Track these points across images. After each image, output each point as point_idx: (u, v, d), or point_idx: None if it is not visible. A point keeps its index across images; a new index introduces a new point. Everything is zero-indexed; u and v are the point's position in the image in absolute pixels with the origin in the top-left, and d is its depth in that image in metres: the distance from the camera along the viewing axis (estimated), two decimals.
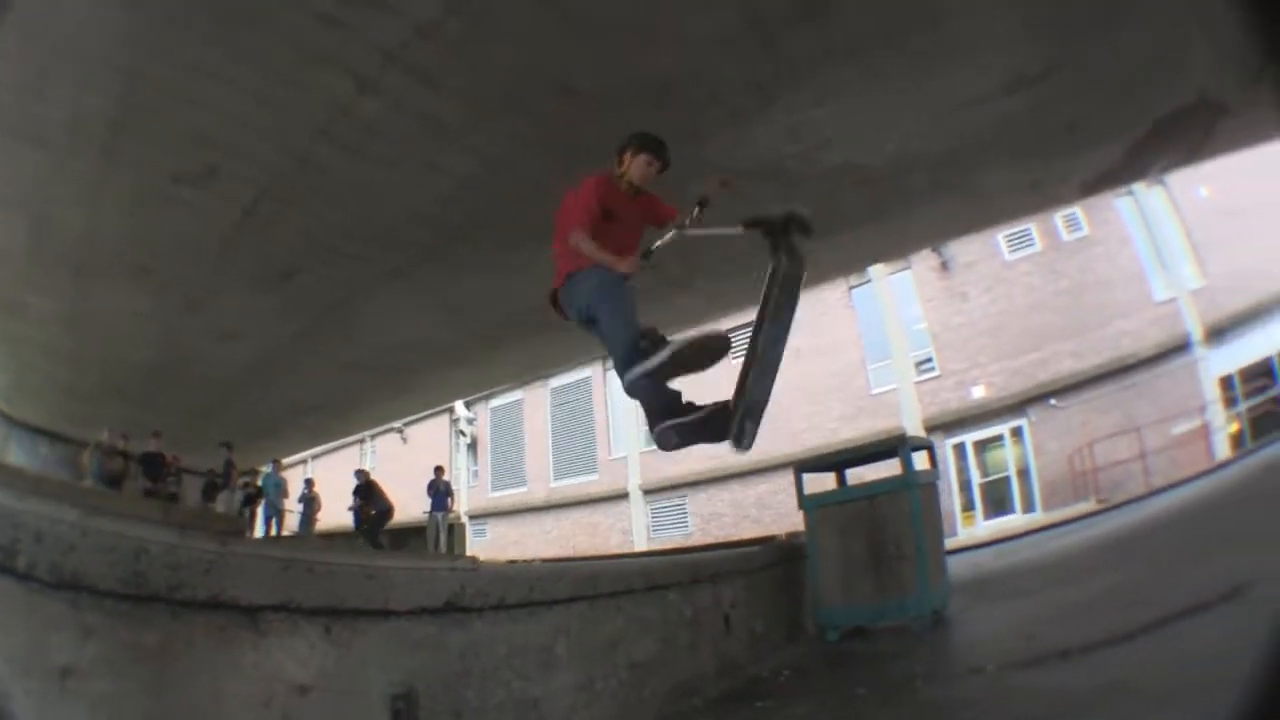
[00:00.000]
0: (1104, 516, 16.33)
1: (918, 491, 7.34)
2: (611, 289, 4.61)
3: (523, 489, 34.84)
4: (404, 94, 7.97)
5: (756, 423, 4.96)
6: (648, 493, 30.36)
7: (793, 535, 8.63)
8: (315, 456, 32.84)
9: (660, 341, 4.56)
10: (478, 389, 26.10)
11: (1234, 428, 20.51)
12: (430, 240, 11.05)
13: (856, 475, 8.63)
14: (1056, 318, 23.02)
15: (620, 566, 5.53)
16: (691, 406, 4.84)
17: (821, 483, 8.48)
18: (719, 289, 12.76)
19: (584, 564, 5.50)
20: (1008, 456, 23.72)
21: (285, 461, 23.22)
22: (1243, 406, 20.36)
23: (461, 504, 32.92)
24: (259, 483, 21.38)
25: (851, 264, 18.23)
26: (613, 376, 31.42)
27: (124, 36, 7.08)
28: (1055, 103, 9.20)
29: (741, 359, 4.95)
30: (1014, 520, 22.21)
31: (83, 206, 9.88)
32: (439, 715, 3.35)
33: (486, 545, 33.87)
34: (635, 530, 30.21)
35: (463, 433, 36.86)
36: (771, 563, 7.67)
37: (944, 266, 24.96)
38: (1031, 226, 23.28)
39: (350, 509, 20.20)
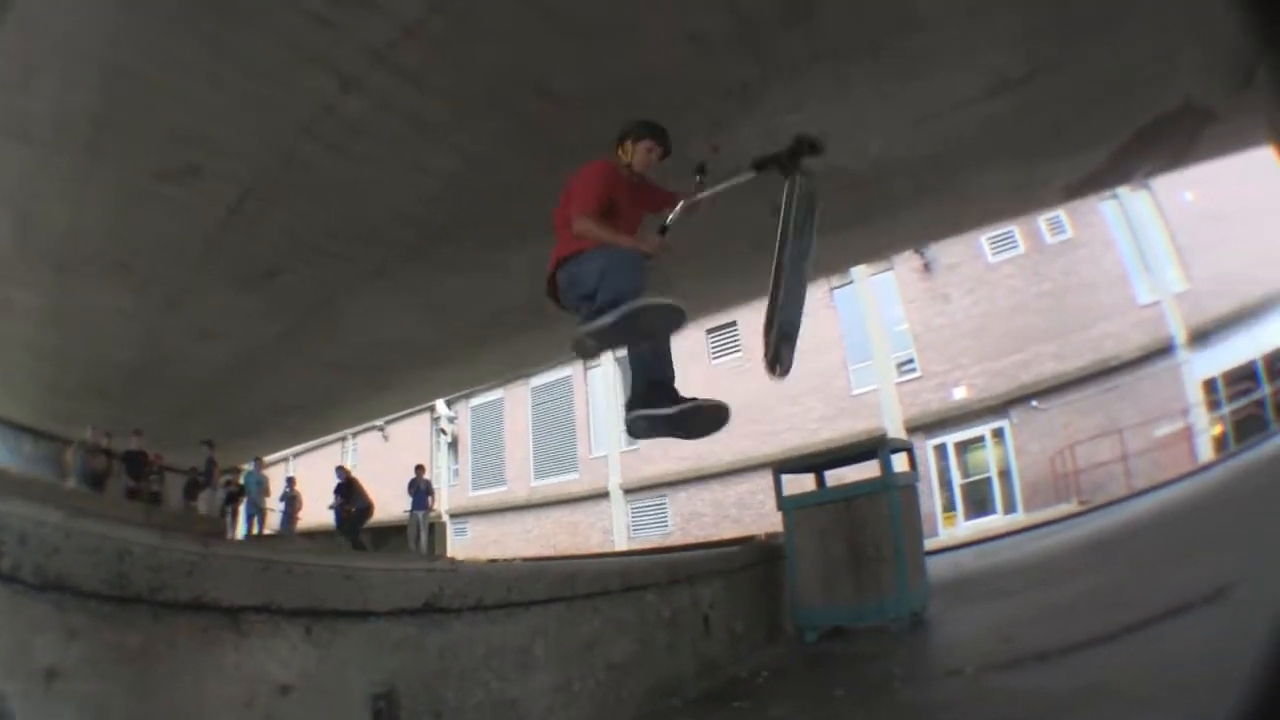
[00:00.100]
0: (1085, 518, 16.43)
1: (897, 493, 7.32)
2: (626, 260, 4.61)
3: (503, 488, 34.89)
4: (388, 93, 7.99)
5: (792, 347, 5.02)
6: (628, 492, 30.46)
7: (772, 536, 8.64)
8: (297, 454, 32.78)
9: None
10: (459, 388, 26.12)
11: (1217, 430, 20.75)
12: (413, 239, 11.05)
13: (836, 476, 8.60)
14: (1039, 320, 23.24)
15: (598, 567, 5.55)
16: (673, 396, 4.87)
17: (801, 483, 8.49)
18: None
19: (562, 564, 5.52)
20: (989, 457, 23.92)
21: (267, 459, 23.19)
22: (1226, 409, 20.55)
23: (442, 503, 32.96)
24: (241, 481, 21.40)
25: (833, 265, 18.26)
26: (594, 376, 31.62)
27: (112, 32, 7.08)
28: (1040, 106, 9.27)
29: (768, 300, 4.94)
30: (995, 521, 22.44)
31: (66, 203, 9.85)
32: (419, 715, 3.37)
33: (467, 544, 33.96)
34: (615, 530, 30.30)
35: (444, 431, 36.90)
36: (750, 563, 7.66)
37: (926, 268, 25.14)
38: (1015, 229, 23.49)
39: (331, 507, 20.20)
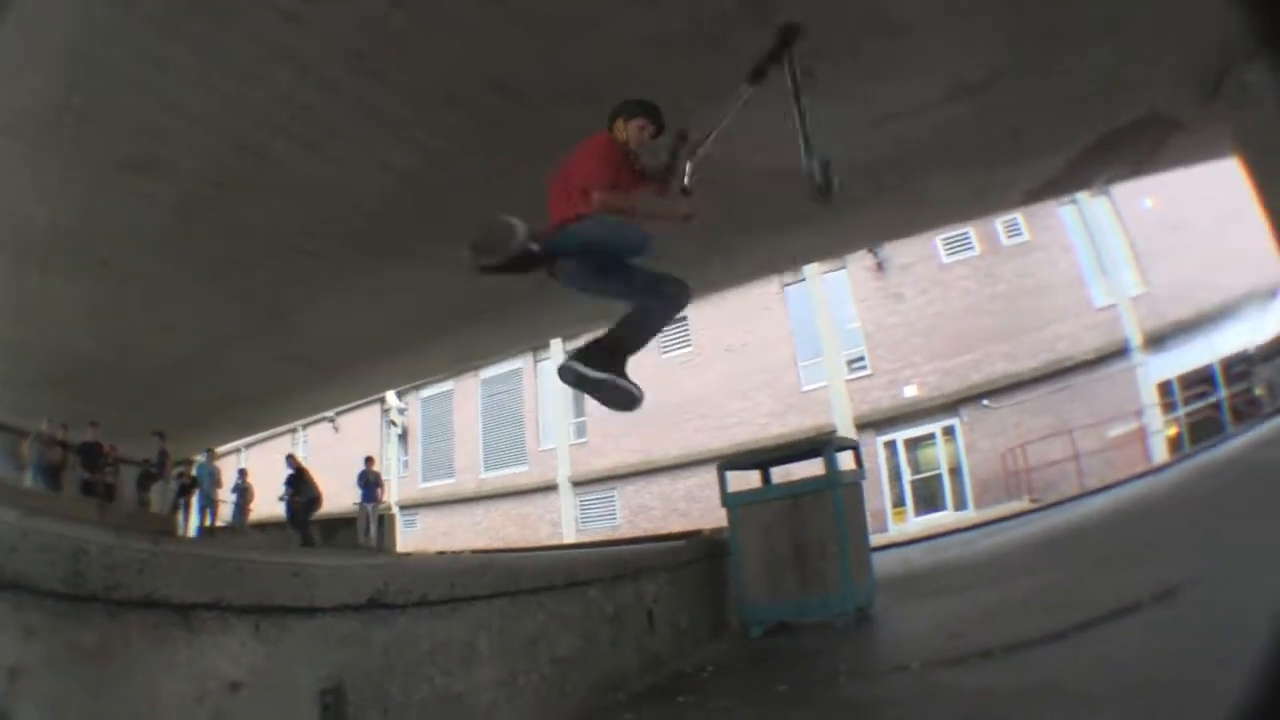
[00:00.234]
0: (1037, 515, 16.59)
1: (841, 491, 7.41)
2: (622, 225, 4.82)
3: (453, 480, 34.76)
4: (349, 87, 7.97)
5: (831, 170, 5.40)
6: (577, 485, 30.46)
7: (718, 531, 8.69)
8: (249, 445, 32.52)
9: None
10: (411, 379, 26.06)
11: (1172, 432, 20.96)
12: (372, 233, 11.06)
13: (784, 473, 8.68)
14: (992, 320, 23.48)
15: (542, 561, 5.60)
16: (611, 365, 4.93)
17: (748, 479, 8.61)
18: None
19: (507, 559, 5.56)
20: (939, 454, 24.10)
21: (219, 450, 23.04)
22: (1181, 411, 20.80)
23: (392, 494, 32.81)
24: (193, 472, 21.26)
25: (784, 263, 18.37)
26: (544, 368, 31.58)
27: (81, 21, 7.02)
28: (1000, 111, 9.36)
29: None
30: (946, 517, 22.62)
31: (26, 193, 9.74)
32: (365, 710, 3.42)
33: (417, 536, 33.77)
34: (564, 522, 30.27)
35: (394, 423, 36.70)
36: (696, 558, 7.73)
37: (880, 267, 25.29)
38: (970, 230, 23.63)
39: (280, 499, 20.07)
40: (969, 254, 24.48)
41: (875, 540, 8.61)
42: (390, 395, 34.57)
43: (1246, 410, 19.36)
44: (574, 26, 7.37)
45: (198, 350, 15.33)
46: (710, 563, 7.92)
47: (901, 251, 24.34)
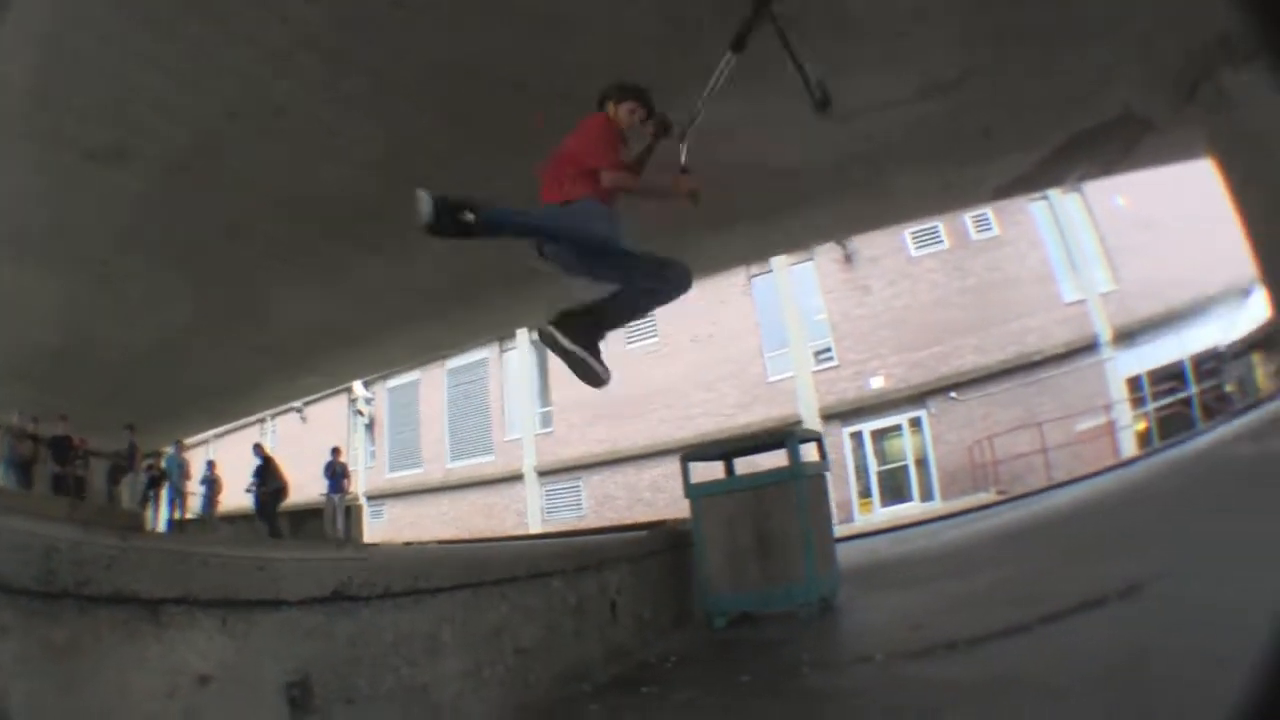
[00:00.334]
0: (1003, 508, 16.66)
1: (805, 482, 7.46)
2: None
3: (419, 470, 34.70)
4: (314, 72, 7.92)
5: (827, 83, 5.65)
6: (543, 474, 30.46)
7: (681, 521, 8.65)
8: (217, 436, 32.33)
9: None
10: (379, 369, 25.90)
11: (1141, 426, 21.16)
12: (338, 221, 11.00)
13: (749, 464, 8.72)
14: (960, 314, 23.64)
15: (506, 552, 5.64)
16: (587, 338, 4.94)
17: (712, 469, 8.66)
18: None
19: (471, 551, 5.59)
20: (906, 446, 24.23)
21: (187, 442, 22.93)
22: (1151, 406, 21.01)
23: (359, 485, 32.73)
24: (163, 465, 21.18)
25: (752, 254, 18.41)
26: (509, 358, 31.55)
27: (49, 3, 6.99)
28: (972, 108, 9.41)
29: None
30: (912, 508, 22.73)
31: None
32: (332, 702, 3.47)
33: (384, 527, 33.71)
34: (530, 512, 30.27)
35: (361, 413, 36.56)
36: (659, 549, 7.76)
37: (848, 259, 25.37)
38: (939, 224, 23.76)
39: (248, 490, 20.03)
40: (938, 248, 24.65)
41: (841, 531, 8.67)
42: (357, 385, 34.42)
43: (1217, 406, 19.63)
44: (548, 19, 7.37)
45: (166, 342, 15.20)
46: (674, 553, 7.93)
47: (870, 244, 24.46)
